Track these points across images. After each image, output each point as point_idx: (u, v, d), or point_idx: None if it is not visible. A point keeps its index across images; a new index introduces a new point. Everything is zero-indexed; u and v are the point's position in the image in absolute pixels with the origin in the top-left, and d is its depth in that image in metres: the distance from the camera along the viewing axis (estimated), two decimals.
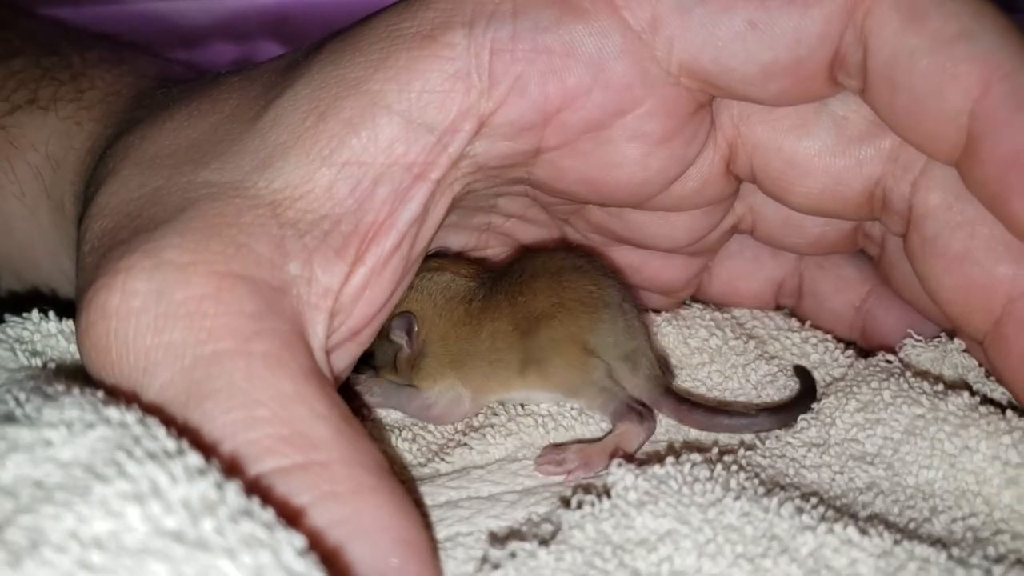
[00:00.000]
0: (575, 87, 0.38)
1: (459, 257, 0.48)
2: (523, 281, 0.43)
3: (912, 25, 0.36)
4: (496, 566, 0.34)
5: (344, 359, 0.39)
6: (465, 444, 0.43)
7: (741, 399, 0.45)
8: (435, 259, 0.46)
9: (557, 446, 0.42)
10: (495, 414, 0.45)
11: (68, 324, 0.42)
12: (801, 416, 0.42)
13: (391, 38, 0.38)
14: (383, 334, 0.42)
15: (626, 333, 0.43)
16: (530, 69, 0.38)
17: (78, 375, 0.38)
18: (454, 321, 0.44)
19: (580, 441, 0.43)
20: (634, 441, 0.42)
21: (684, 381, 0.46)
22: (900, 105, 0.37)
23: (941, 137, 0.37)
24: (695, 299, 0.51)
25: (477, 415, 0.45)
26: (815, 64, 0.38)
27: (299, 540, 0.27)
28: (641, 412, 0.42)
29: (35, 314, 0.42)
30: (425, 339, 0.44)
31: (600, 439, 0.43)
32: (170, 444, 0.29)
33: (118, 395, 0.33)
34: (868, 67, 0.37)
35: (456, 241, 0.48)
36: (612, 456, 0.40)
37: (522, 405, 0.45)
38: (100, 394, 0.32)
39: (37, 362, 0.39)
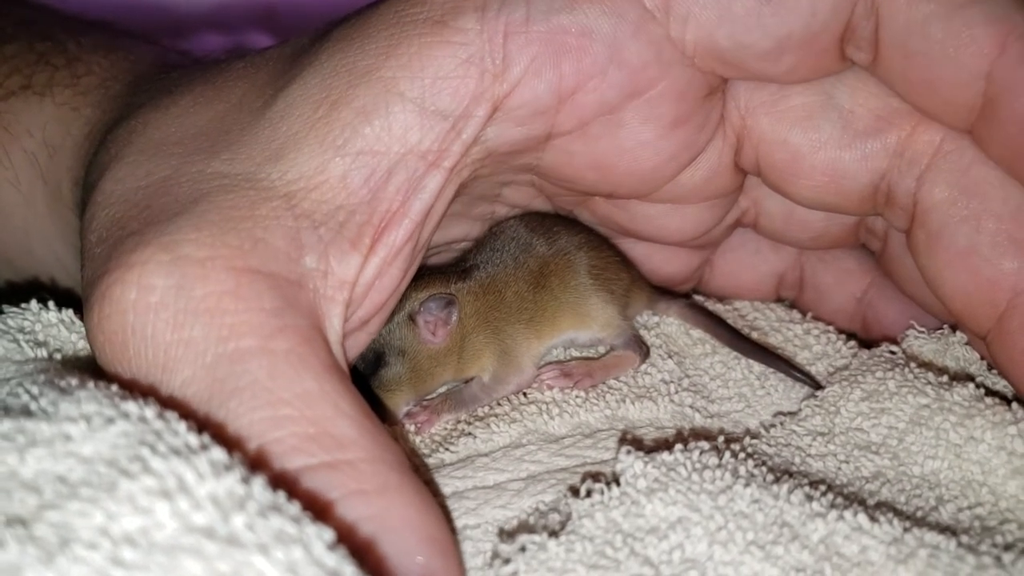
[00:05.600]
0: (590, 67, 0.38)
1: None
2: (515, 247, 0.45)
3: None
4: (506, 561, 0.34)
5: (353, 348, 0.39)
6: (470, 433, 0.43)
7: (744, 390, 0.45)
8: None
9: (559, 363, 0.46)
10: (499, 404, 0.45)
11: (68, 313, 0.42)
12: (805, 404, 0.43)
13: (401, 24, 0.38)
14: (393, 352, 0.43)
15: (622, 263, 0.47)
16: (545, 50, 0.37)
17: (85, 366, 0.37)
18: (474, 294, 0.44)
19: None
20: (629, 365, 0.46)
21: (687, 371, 0.46)
22: (915, 74, 0.37)
23: (957, 102, 0.37)
24: (697, 291, 0.51)
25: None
26: (828, 37, 0.38)
27: (328, 534, 0.27)
28: (641, 344, 0.46)
29: (34, 304, 0.42)
30: (462, 326, 0.44)
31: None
32: (192, 439, 0.29)
33: (134, 390, 0.32)
34: (880, 37, 0.37)
35: (459, 230, 0.48)
36: (610, 373, 0.45)
37: (524, 394, 0.45)
38: (115, 387, 0.31)
39: (42, 353, 0.38)
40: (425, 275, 0.44)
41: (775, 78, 0.39)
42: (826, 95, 0.41)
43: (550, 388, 0.45)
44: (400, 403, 0.44)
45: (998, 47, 0.36)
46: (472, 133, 0.38)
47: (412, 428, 0.44)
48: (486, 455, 0.42)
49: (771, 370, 0.46)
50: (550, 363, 0.46)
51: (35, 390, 0.31)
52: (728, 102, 0.41)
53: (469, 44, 0.37)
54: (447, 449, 0.42)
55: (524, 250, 0.45)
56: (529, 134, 0.39)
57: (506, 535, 0.37)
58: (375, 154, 0.37)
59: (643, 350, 0.46)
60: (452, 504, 0.39)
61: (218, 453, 0.28)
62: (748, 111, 0.41)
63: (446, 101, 0.37)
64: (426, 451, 0.43)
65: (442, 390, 0.46)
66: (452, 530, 0.35)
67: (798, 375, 0.45)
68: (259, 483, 0.28)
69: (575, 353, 0.48)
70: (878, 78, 0.39)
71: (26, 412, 0.30)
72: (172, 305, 0.33)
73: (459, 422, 0.44)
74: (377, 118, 0.37)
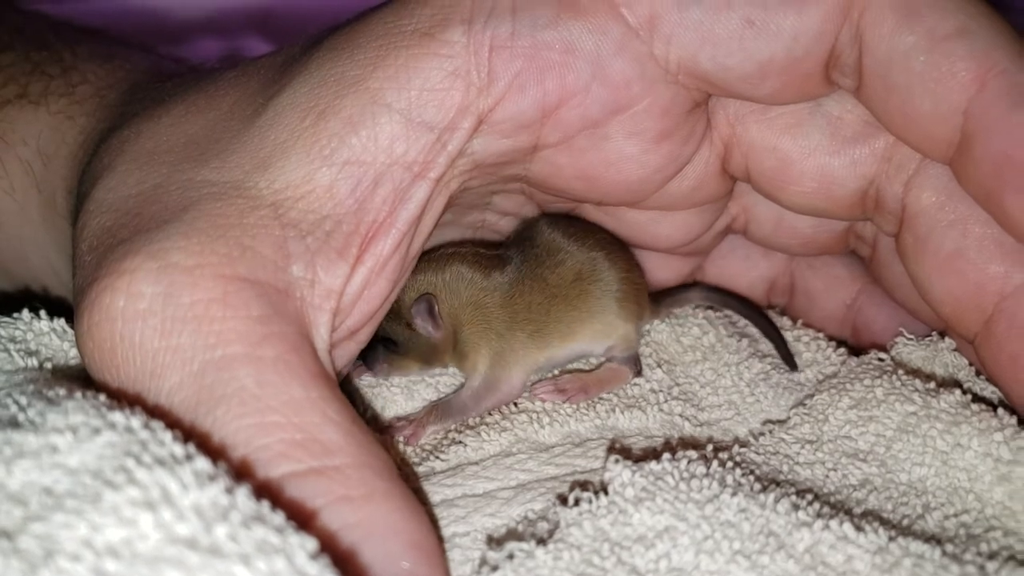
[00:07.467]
0: (574, 83, 0.38)
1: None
2: (539, 254, 0.45)
3: (907, 23, 0.36)
4: (494, 568, 0.35)
5: (343, 358, 0.39)
6: (460, 442, 0.43)
7: (734, 397, 0.45)
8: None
9: (552, 377, 0.46)
10: (489, 413, 0.45)
11: (60, 322, 0.42)
12: (794, 411, 0.43)
13: (389, 35, 0.38)
14: (408, 327, 0.43)
15: (638, 269, 0.47)
16: (529, 66, 0.38)
17: (76, 375, 0.38)
18: (477, 287, 0.44)
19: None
20: (622, 380, 0.46)
21: (677, 379, 0.46)
22: (895, 104, 0.38)
23: (936, 136, 0.37)
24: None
25: None
26: (811, 63, 0.38)
27: (311, 543, 0.28)
28: (638, 360, 0.46)
29: (26, 313, 0.42)
30: (455, 317, 0.44)
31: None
32: (177, 449, 0.29)
33: (122, 397, 0.33)
34: (863, 66, 0.37)
35: (450, 238, 0.48)
36: (603, 388, 0.45)
37: (515, 403, 0.45)
38: (103, 397, 0.32)
39: (33, 362, 0.39)
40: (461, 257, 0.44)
41: (760, 99, 0.40)
42: (815, 102, 0.41)
43: (543, 402, 0.45)
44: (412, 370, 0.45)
45: (977, 83, 0.35)
46: (458, 145, 0.38)
47: (400, 439, 0.44)
48: (476, 463, 0.42)
49: (761, 378, 0.46)
50: (546, 378, 0.46)
51: (23, 400, 0.31)
52: (717, 111, 0.42)
53: (455, 57, 0.37)
54: (438, 457, 0.42)
55: (552, 257, 0.45)
56: (515, 146, 0.39)
57: (495, 543, 0.37)
58: (361, 164, 0.37)
59: (638, 367, 0.46)
60: (442, 512, 0.39)
61: (202, 463, 0.28)
62: (737, 119, 0.42)
63: (432, 113, 0.37)
64: (416, 460, 0.43)
65: (432, 396, 0.46)
66: (439, 537, 0.36)
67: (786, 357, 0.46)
68: (243, 493, 0.28)
69: (569, 365, 0.48)
70: (863, 105, 0.39)
71: (14, 423, 0.30)
72: (160, 312, 0.33)
73: (450, 431, 0.44)
74: (363, 128, 0.37)
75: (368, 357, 0.44)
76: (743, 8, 0.37)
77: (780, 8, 0.37)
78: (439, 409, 0.45)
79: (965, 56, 0.36)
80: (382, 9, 0.40)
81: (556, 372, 0.47)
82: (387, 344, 0.44)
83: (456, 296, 0.44)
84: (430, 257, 0.44)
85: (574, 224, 0.46)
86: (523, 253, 0.45)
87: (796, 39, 0.37)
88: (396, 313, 0.42)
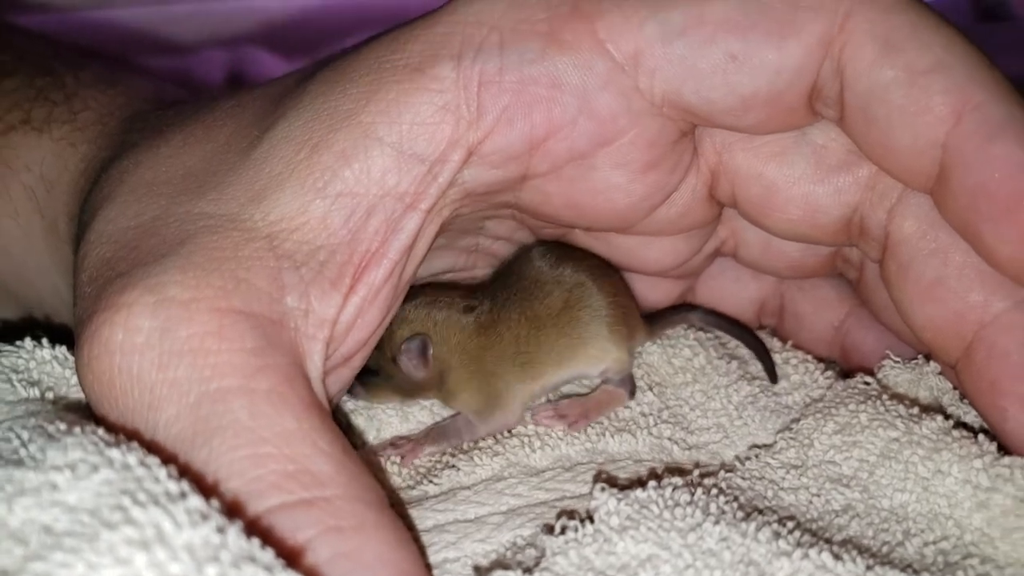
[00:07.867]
0: (560, 117, 0.39)
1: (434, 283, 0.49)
2: (527, 286, 0.45)
3: (886, 58, 0.37)
4: None
5: (336, 384, 0.40)
6: (454, 466, 0.44)
7: (723, 420, 0.46)
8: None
9: (551, 403, 0.47)
10: (482, 437, 0.45)
11: (62, 350, 0.43)
12: (780, 436, 0.44)
13: (381, 70, 0.39)
14: (392, 361, 0.44)
15: (627, 293, 0.48)
16: (517, 100, 0.39)
17: (77, 405, 0.39)
18: (466, 331, 0.45)
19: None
20: (619, 403, 0.46)
21: (668, 402, 0.47)
22: (875, 136, 0.38)
23: (915, 168, 0.38)
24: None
25: None
26: (794, 96, 0.39)
27: None
28: (632, 381, 0.47)
29: (28, 342, 0.43)
30: (442, 361, 0.45)
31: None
32: (172, 486, 0.30)
33: (121, 430, 0.34)
34: (844, 99, 0.38)
35: (443, 262, 0.49)
36: (602, 412, 0.46)
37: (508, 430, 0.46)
38: (101, 432, 0.32)
39: (35, 392, 0.40)
40: (439, 299, 0.45)
41: (745, 130, 0.40)
42: (800, 131, 0.42)
43: (545, 427, 0.45)
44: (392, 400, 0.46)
45: (954, 117, 0.36)
46: (448, 176, 0.39)
47: (396, 459, 0.45)
48: (468, 488, 0.43)
49: (749, 401, 0.47)
50: (545, 404, 0.47)
51: (25, 435, 0.32)
52: (704, 139, 0.42)
53: (445, 92, 0.38)
54: (431, 481, 0.43)
55: (540, 288, 0.45)
56: (504, 176, 0.40)
57: (482, 572, 0.38)
58: (354, 196, 0.38)
59: (632, 388, 0.47)
60: (433, 537, 0.40)
61: (196, 501, 0.29)
62: (723, 147, 0.42)
63: (423, 146, 0.38)
64: (411, 483, 0.44)
65: (427, 419, 0.47)
66: (427, 566, 0.36)
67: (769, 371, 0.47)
68: (234, 532, 0.29)
69: (563, 388, 0.48)
70: (847, 135, 0.40)
71: (15, 459, 0.31)
72: (157, 346, 0.34)
73: (444, 454, 0.45)
74: (356, 161, 0.38)
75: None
76: (726, 43, 0.38)
77: (762, 43, 0.38)
78: (437, 432, 0.45)
79: (942, 90, 0.36)
80: (374, 43, 0.41)
81: (553, 396, 0.48)
82: (367, 374, 0.44)
83: (444, 342, 0.44)
84: (419, 301, 0.44)
85: (561, 253, 0.47)
86: (510, 288, 0.46)
87: (778, 73, 0.38)
88: (380, 345, 0.43)
